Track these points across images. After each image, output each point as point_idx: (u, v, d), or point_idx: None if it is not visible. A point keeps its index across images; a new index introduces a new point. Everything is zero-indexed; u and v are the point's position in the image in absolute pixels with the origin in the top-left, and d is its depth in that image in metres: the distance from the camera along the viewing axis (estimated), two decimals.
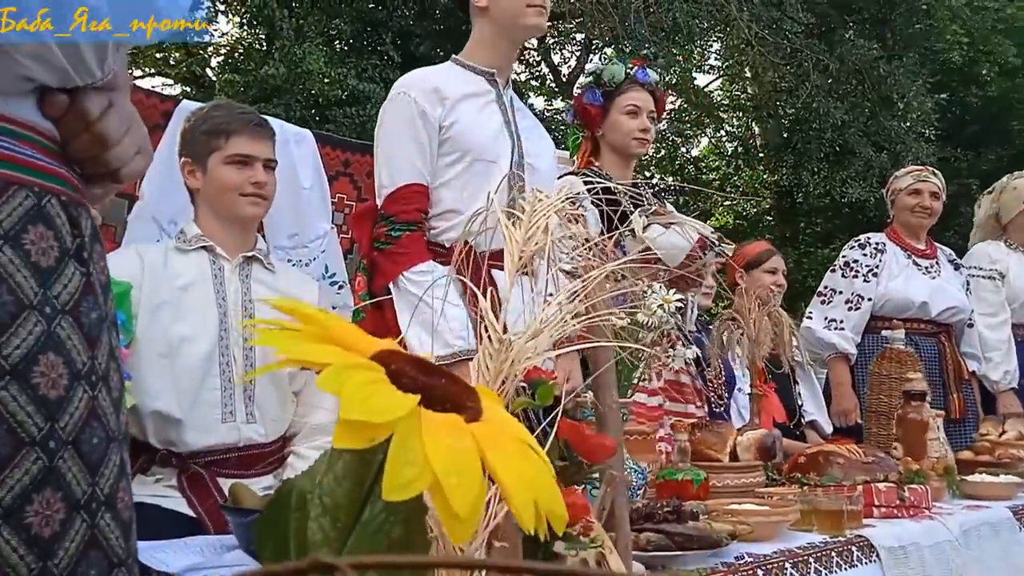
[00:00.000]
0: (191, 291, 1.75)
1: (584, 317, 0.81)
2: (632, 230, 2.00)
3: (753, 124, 13.95)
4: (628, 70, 2.44)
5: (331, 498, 0.48)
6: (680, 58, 11.07)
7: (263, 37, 9.01)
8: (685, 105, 13.62)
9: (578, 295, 0.82)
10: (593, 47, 11.97)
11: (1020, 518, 2.08)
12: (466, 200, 1.90)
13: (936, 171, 3.41)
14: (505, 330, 0.77)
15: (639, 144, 2.43)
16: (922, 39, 11.28)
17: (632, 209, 2.08)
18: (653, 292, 1.57)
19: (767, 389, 2.79)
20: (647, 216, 2.06)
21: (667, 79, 11.71)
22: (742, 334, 2.17)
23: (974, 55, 11.96)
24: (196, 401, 1.69)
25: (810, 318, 3.31)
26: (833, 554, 1.53)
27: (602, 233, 1.46)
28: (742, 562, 1.38)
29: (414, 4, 8.85)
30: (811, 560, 1.47)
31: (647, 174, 12.67)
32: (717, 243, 2.13)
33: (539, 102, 12.60)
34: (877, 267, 3.25)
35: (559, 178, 2.29)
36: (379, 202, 1.96)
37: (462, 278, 0.87)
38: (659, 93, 2.50)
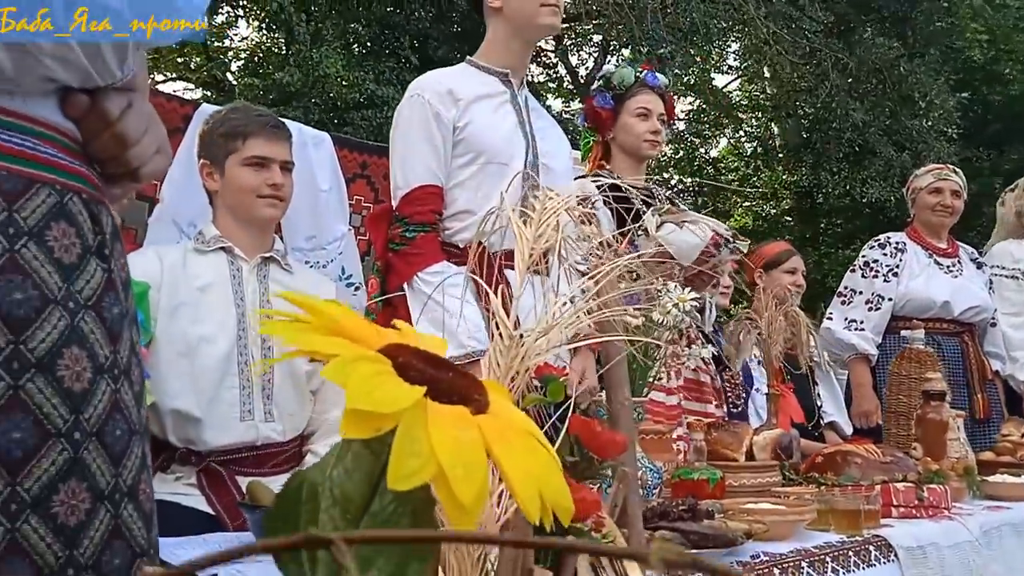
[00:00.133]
0: (210, 291, 1.77)
1: (596, 313, 0.81)
2: (645, 229, 2.00)
3: (772, 124, 13.88)
4: (638, 73, 2.44)
5: (341, 490, 0.49)
6: (698, 59, 11.03)
7: (282, 41, 9.08)
8: (703, 106, 13.57)
9: (589, 292, 0.83)
10: (611, 48, 11.96)
11: None
12: (480, 201, 1.91)
13: (957, 169, 3.37)
14: (516, 326, 0.78)
15: (650, 146, 2.43)
16: (943, 37, 11.17)
17: (644, 210, 2.08)
18: (668, 291, 1.57)
19: (784, 389, 2.78)
20: (659, 215, 2.06)
21: (685, 80, 11.68)
22: (759, 333, 2.16)
23: (996, 53, 11.84)
24: (215, 400, 1.71)
25: (830, 319, 3.29)
26: (850, 553, 1.52)
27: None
28: (758, 561, 1.38)
29: (431, 7, 8.88)
30: (828, 559, 1.47)
31: (665, 175, 12.64)
32: (731, 240, 2.12)
33: (556, 104, 12.60)
34: (897, 267, 3.21)
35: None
36: (394, 203, 1.97)
37: (474, 276, 0.88)
38: (669, 96, 2.50)
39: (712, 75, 13.24)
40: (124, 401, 0.82)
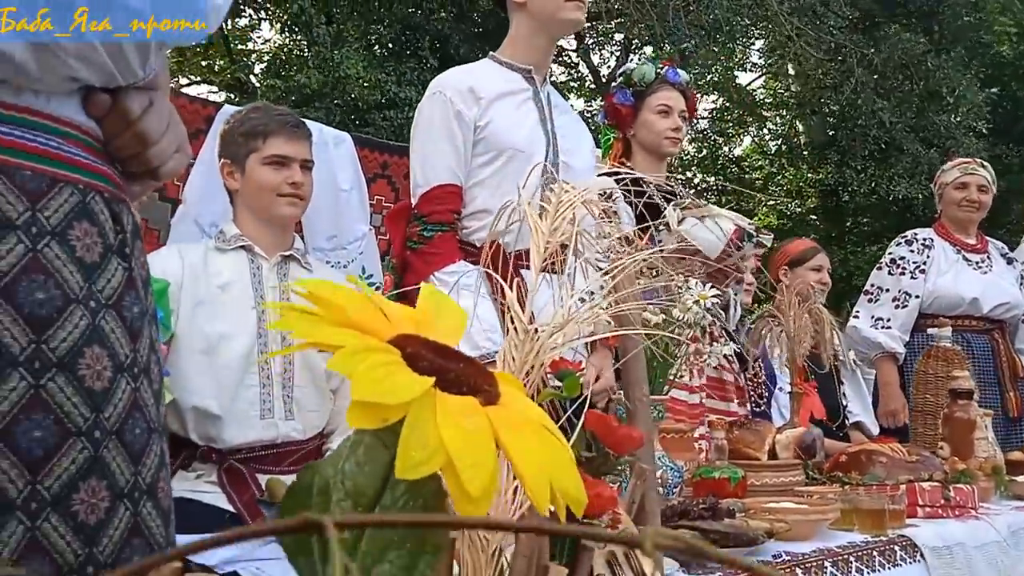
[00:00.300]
0: (230, 290, 1.78)
1: (612, 309, 0.80)
2: (667, 223, 1.98)
3: (796, 122, 13.75)
4: (659, 70, 2.42)
5: (353, 483, 0.48)
6: (721, 56, 10.95)
7: (304, 43, 9.14)
8: (727, 104, 13.47)
9: (607, 287, 0.82)
10: (633, 47, 11.92)
11: None
12: (499, 199, 1.90)
13: (985, 163, 3.32)
14: (531, 320, 0.77)
15: (671, 143, 2.41)
16: (971, 31, 11.01)
17: (665, 206, 2.07)
18: (689, 288, 1.56)
19: (807, 388, 2.75)
20: (680, 209, 2.04)
21: (708, 78, 11.61)
22: (781, 331, 2.14)
23: None
24: (235, 398, 1.72)
25: (857, 317, 3.25)
26: (875, 553, 1.50)
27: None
28: (780, 560, 1.36)
29: (452, 7, 8.89)
30: (852, 559, 1.44)
31: (688, 174, 12.57)
32: (755, 233, 2.10)
33: (579, 104, 12.58)
34: (925, 263, 3.17)
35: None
36: (413, 201, 1.97)
37: (489, 270, 0.87)
38: (690, 93, 2.48)
39: (735, 73, 13.15)
40: (144, 399, 0.83)
